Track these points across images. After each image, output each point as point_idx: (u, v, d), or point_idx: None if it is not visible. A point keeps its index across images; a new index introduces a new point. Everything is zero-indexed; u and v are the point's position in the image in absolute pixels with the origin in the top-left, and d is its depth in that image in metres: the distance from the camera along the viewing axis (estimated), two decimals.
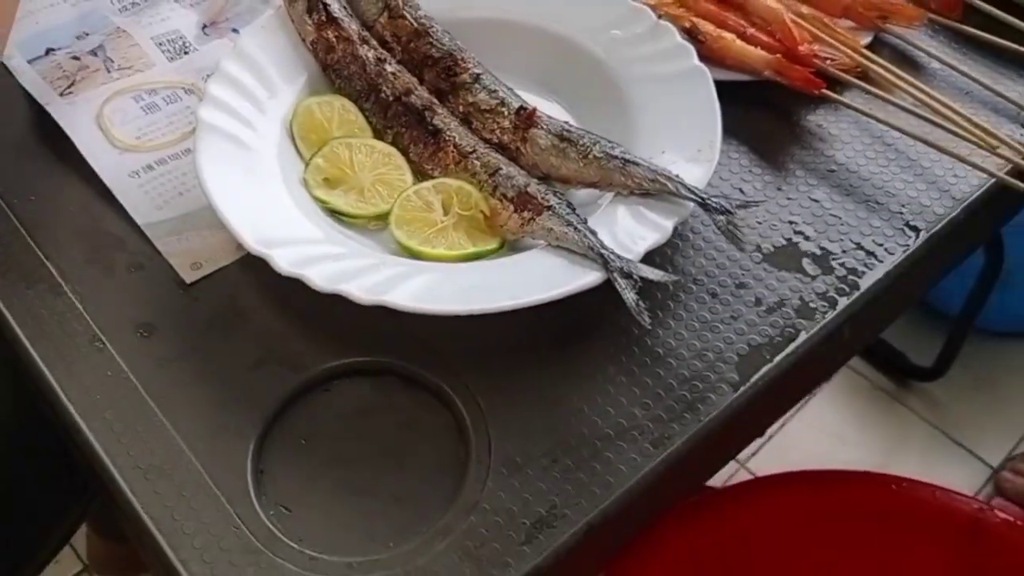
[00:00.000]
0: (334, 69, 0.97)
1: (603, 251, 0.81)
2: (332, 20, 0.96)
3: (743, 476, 1.80)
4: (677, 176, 0.86)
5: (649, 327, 0.81)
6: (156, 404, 0.79)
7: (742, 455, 1.96)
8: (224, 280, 0.88)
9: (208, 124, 0.88)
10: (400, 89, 0.95)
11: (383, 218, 0.89)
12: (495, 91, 0.95)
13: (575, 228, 0.83)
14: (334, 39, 0.96)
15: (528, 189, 0.88)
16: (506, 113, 0.94)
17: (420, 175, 0.93)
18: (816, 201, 0.97)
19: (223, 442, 0.78)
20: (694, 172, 0.88)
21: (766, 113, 1.04)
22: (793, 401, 0.94)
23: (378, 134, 0.95)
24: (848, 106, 1.01)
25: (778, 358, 0.85)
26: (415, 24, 0.98)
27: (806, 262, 0.92)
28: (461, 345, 0.83)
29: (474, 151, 0.91)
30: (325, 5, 0.97)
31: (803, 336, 0.86)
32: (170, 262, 0.86)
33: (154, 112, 0.95)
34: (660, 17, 1.00)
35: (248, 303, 0.87)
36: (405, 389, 0.82)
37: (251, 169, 0.88)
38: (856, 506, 1.13)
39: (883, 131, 1.01)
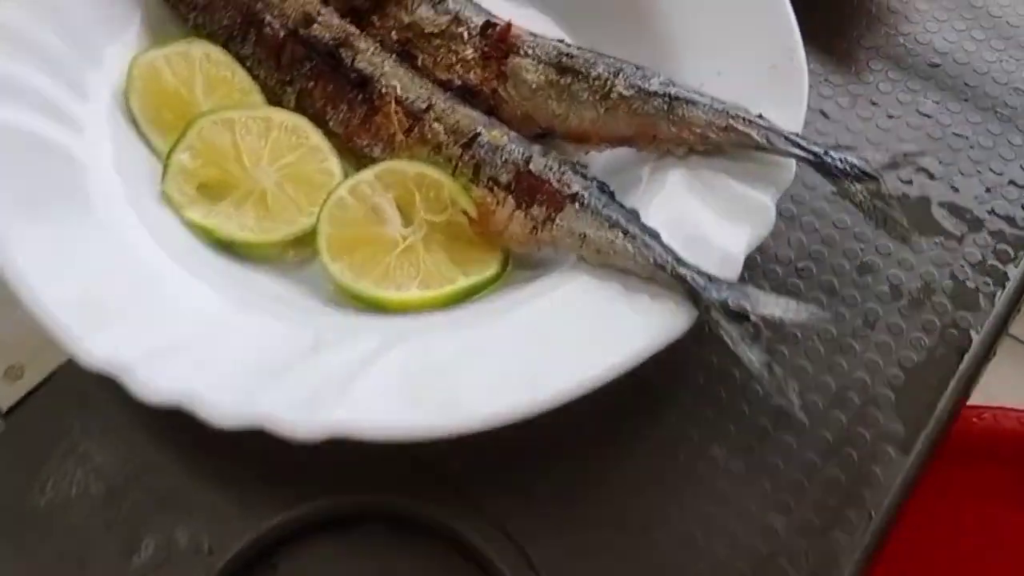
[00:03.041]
0: None
1: (684, 270, 0.49)
2: None
3: None
4: (761, 117, 0.54)
5: (797, 404, 0.49)
6: None
7: None
8: (64, 390, 0.53)
9: None
10: (295, 16, 0.59)
11: (305, 242, 0.55)
12: (442, 0, 0.60)
13: (623, 231, 0.51)
14: None
15: (532, 167, 0.54)
16: (466, 35, 0.60)
17: (351, 156, 0.58)
18: (927, 116, 0.66)
19: None
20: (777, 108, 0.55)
21: None
22: None
23: (273, 95, 0.59)
24: None
25: (953, 383, 0.55)
26: None
27: (941, 216, 0.62)
28: (474, 454, 0.51)
29: (430, 107, 0.57)
30: None
31: (975, 337, 0.57)
32: None
33: None
34: None
35: (111, 422, 0.53)
36: (399, 543, 0.50)
37: (73, 190, 0.52)
38: None
39: None
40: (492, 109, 0.59)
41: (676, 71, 0.58)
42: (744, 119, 0.54)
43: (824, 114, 0.66)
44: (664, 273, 0.49)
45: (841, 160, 0.53)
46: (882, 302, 0.58)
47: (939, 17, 0.71)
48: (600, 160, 0.58)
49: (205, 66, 0.58)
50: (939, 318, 0.58)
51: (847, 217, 0.61)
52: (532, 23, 0.62)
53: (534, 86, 0.58)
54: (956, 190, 0.63)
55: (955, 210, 0.62)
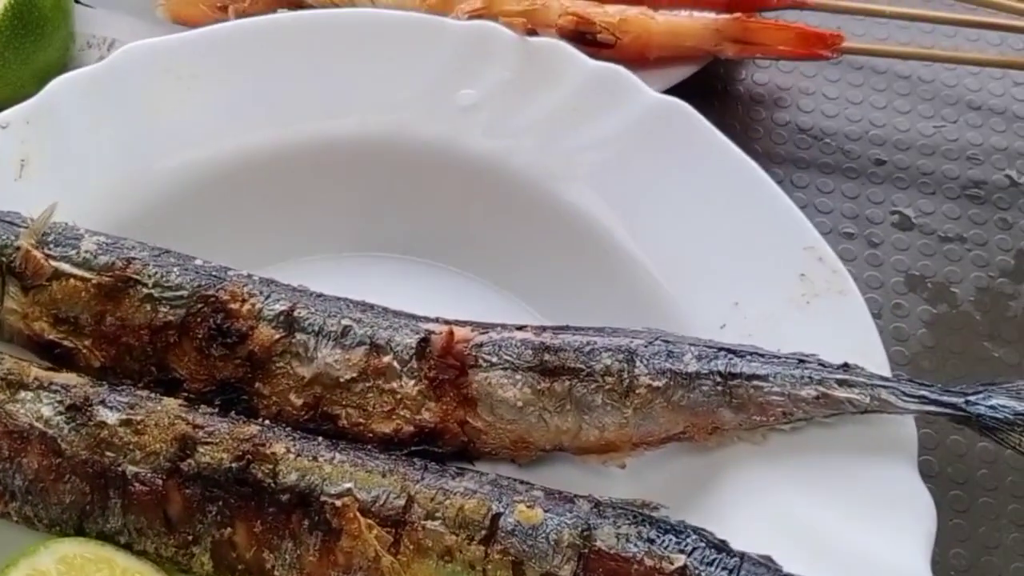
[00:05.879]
0: None
1: None
2: None
3: None
4: (849, 368, 0.41)
5: None
6: None
7: None
8: None
9: None
10: (165, 448, 0.41)
11: None
12: (346, 328, 0.44)
13: None
14: None
15: (599, 542, 0.39)
16: (397, 366, 0.43)
17: None
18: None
19: None
20: (843, 335, 0.43)
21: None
22: None
23: (177, 567, 0.41)
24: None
25: None
26: (90, 273, 0.43)
27: None
28: None
29: (411, 500, 0.40)
30: None
31: None
32: None
33: None
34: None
35: None
36: None
37: None
38: None
39: None
40: (469, 449, 0.43)
41: (682, 317, 0.44)
42: (839, 381, 0.41)
43: None
44: None
45: (992, 408, 0.39)
46: None
47: None
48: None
49: None
50: None
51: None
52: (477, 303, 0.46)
53: (518, 403, 0.43)
54: None
55: None
